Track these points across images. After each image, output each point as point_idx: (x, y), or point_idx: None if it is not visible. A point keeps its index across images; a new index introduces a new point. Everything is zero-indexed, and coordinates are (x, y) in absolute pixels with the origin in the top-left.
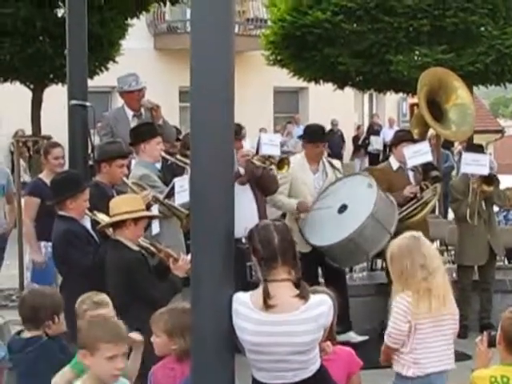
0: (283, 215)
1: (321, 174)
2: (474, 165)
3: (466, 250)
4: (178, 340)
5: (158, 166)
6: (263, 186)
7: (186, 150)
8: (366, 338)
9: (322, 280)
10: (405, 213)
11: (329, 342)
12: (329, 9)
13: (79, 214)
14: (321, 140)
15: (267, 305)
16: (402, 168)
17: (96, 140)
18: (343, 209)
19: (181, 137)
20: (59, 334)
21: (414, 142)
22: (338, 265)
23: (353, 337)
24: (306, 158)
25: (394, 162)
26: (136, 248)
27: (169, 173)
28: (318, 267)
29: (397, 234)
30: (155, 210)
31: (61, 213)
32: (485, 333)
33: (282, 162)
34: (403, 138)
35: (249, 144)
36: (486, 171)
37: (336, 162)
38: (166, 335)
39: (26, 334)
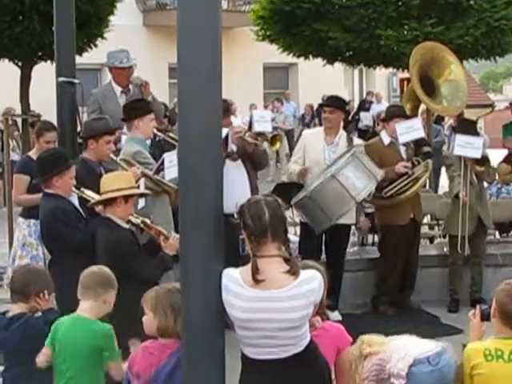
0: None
1: (333, 146)
2: (467, 147)
3: (455, 220)
4: (160, 316)
5: (148, 142)
6: (255, 162)
7: (171, 126)
8: (340, 318)
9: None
10: (396, 188)
11: (318, 317)
12: None
13: (66, 192)
14: (326, 105)
15: (256, 279)
16: (394, 143)
17: (85, 117)
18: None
19: (168, 113)
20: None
21: (407, 117)
22: (313, 228)
23: (332, 315)
24: (323, 129)
25: (385, 137)
26: (126, 226)
27: (158, 149)
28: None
29: (390, 208)
30: (141, 185)
31: (47, 190)
32: (477, 306)
33: (274, 139)
34: (395, 113)
35: (239, 120)
36: (478, 155)
37: (357, 140)
38: (152, 312)
39: (12, 312)
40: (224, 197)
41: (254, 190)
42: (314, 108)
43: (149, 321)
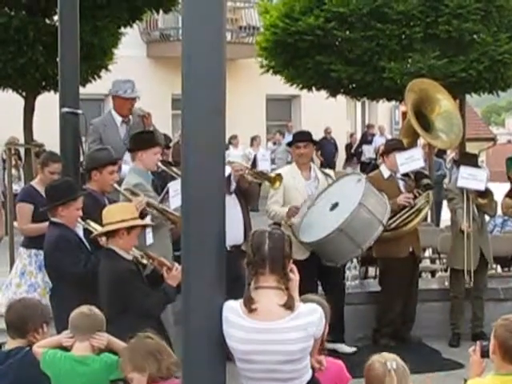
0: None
1: (313, 181)
2: (470, 179)
3: (458, 254)
4: None
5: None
6: (247, 197)
7: (178, 158)
8: (355, 349)
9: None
10: (399, 220)
11: (323, 357)
12: (321, 15)
13: (71, 222)
14: (300, 140)
15: (250, 309)
16: (393, 176)
17: (86, 147)
18: (335, 206)
19: (171, 144)
20: None
21: (406, 150)
22: (334, 263)
23: (342, 348)
24: (296, 166)
25: (385, 171)
26: (129, 257)
27: (159, 180)
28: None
29: (388, 241)
30: (148, 219)
31: (53, 219)
32: (478, 342)
33: (275, 179)
34: (395, 146)
35: (241, 151)
36: (482, 187)
37: (328, 171)
38: None
39: (9, 346)
40: None
41: (248, 223)
42: None
43: None
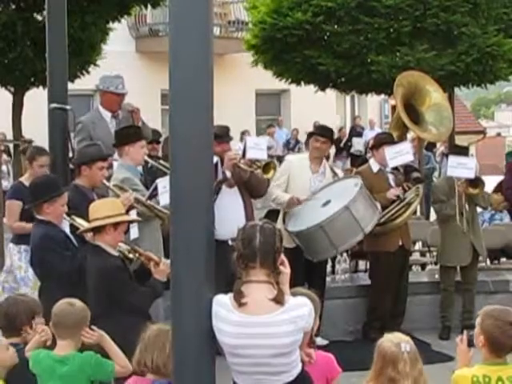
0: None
1: (319, 175)
2: (460, 168)
3: (449, 251)
4: None
5: (140, 168)
6: (251, 189)
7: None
8: (327, 342)
9: None
10: (389, 214)
11: (312, 350)
12: (309, 10)
13: (56, 219)
14: (322, 135)
15: (239, 303)
16: (382, 170)
17: (74, 145)
18: (326, 203)
19: (161, 139)
20: None
21: (395, 144)
22: (311, 257)
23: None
24: (309, 158)
25: (374, 165)
26: (116, 253)
27: (150, 176)
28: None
29: (379, 235)
30: (133, 213)
31: (39, 217)
32: (465, 332)
33: (267, 166)
34: (384, 140)
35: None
36: (472, 174)
37: (338, 171)
38: None
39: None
40: (219, 223)
41: (250, 217)
42: (299, 132)
43: None
